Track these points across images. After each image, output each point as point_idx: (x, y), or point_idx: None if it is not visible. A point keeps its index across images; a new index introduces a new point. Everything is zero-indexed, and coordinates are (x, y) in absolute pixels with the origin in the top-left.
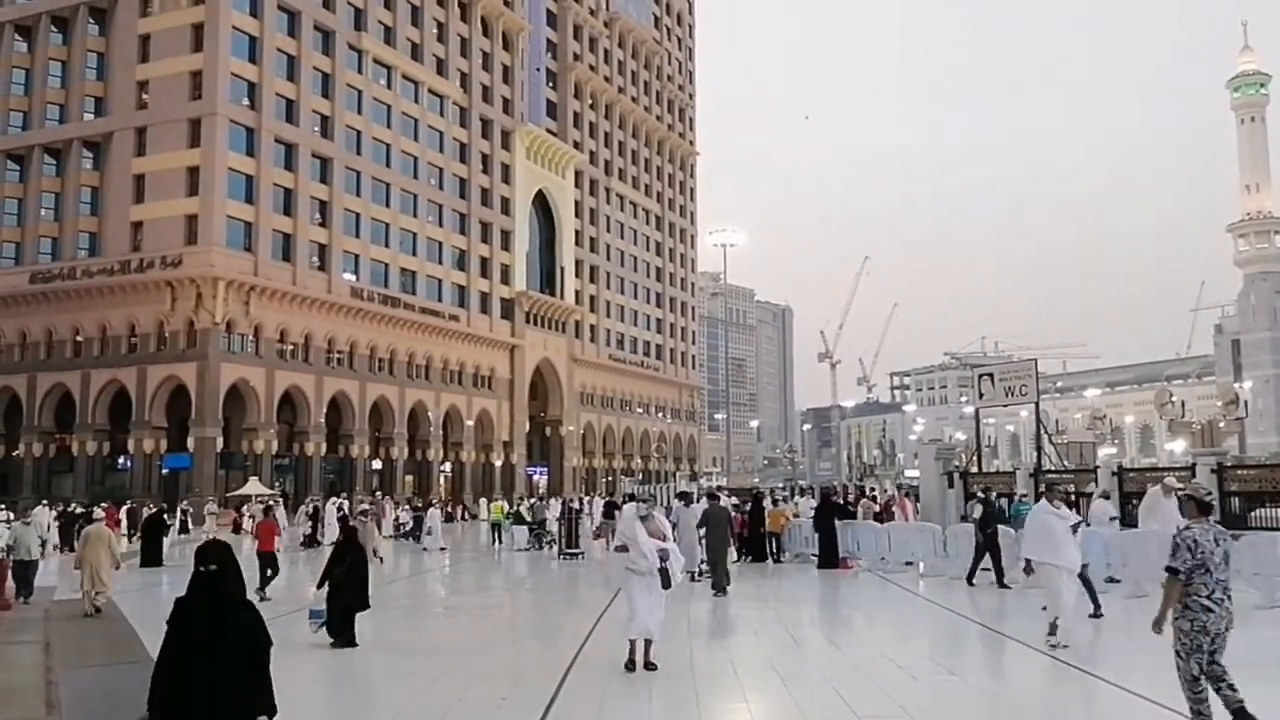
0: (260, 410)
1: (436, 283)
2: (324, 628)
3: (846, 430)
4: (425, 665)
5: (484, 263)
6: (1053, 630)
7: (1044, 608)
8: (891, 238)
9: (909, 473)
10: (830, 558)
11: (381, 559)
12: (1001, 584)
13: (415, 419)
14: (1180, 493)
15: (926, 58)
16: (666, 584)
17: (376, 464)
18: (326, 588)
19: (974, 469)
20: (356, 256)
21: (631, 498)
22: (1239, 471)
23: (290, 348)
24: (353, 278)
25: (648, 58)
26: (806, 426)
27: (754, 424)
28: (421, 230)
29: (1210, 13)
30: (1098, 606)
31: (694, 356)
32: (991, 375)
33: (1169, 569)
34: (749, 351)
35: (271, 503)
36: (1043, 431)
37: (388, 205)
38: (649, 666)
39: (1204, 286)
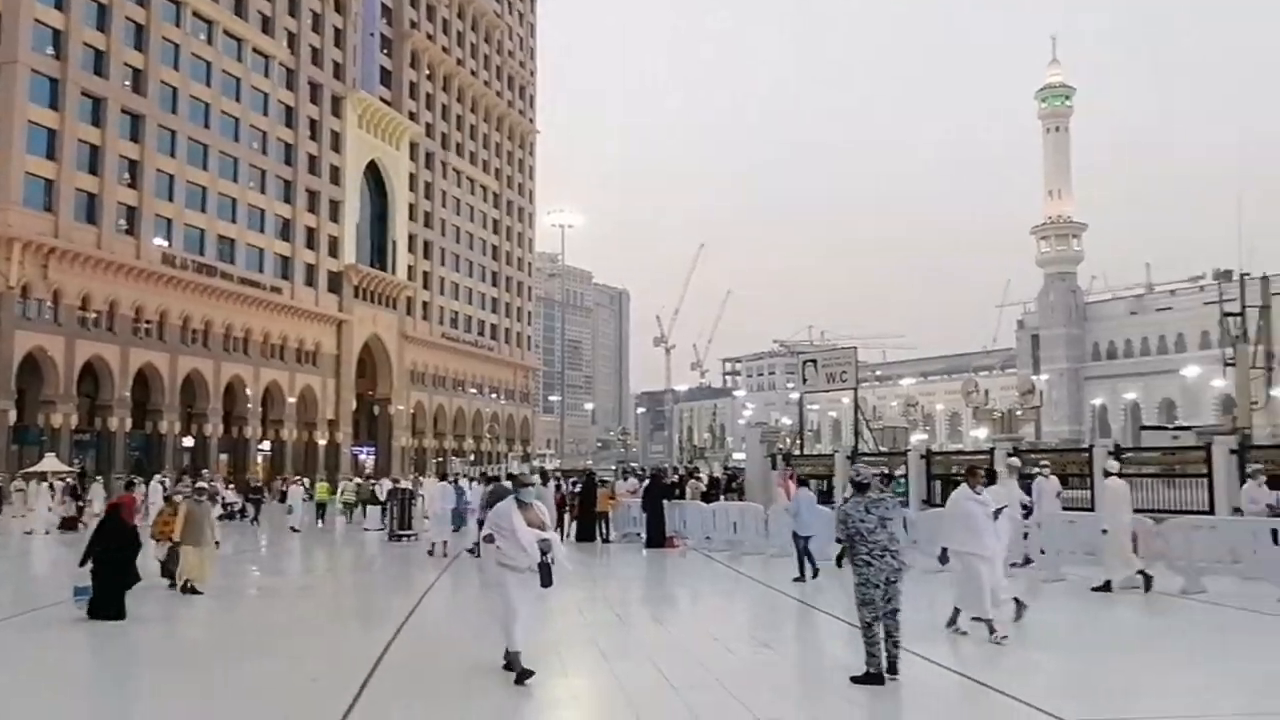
0: (59, 382)
1: (258, 252)
2: (88, 605)
3: (679, 414)
4: (237, 643)
5: (310, 233)
6: (953, 620)
7: (956, 609)
8: (729, 229)
9: (736, 455)
10: (658, 537)
11: (218, 542)
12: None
13: (232, 394)
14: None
15: (769, 48)
16: (547, 581)
17: (188, 441)
18: (90, 565)
19: (796, 452)
20: (169, 221)
21: (511, 478)
22: (1032, 455)
23: (93, 316)
24: (164, 243)
25: (488, 31)
26: (640, 410)
27: (589, 406)
28: (242, 196)
29: (1027, 23)
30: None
31: (530, 337)
32: (814, 362)
33: (837, 540)
34: (585, 334)
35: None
36: (860, 417)
37: (205, 168)
38: (522, 676)
39: (1009, 284)
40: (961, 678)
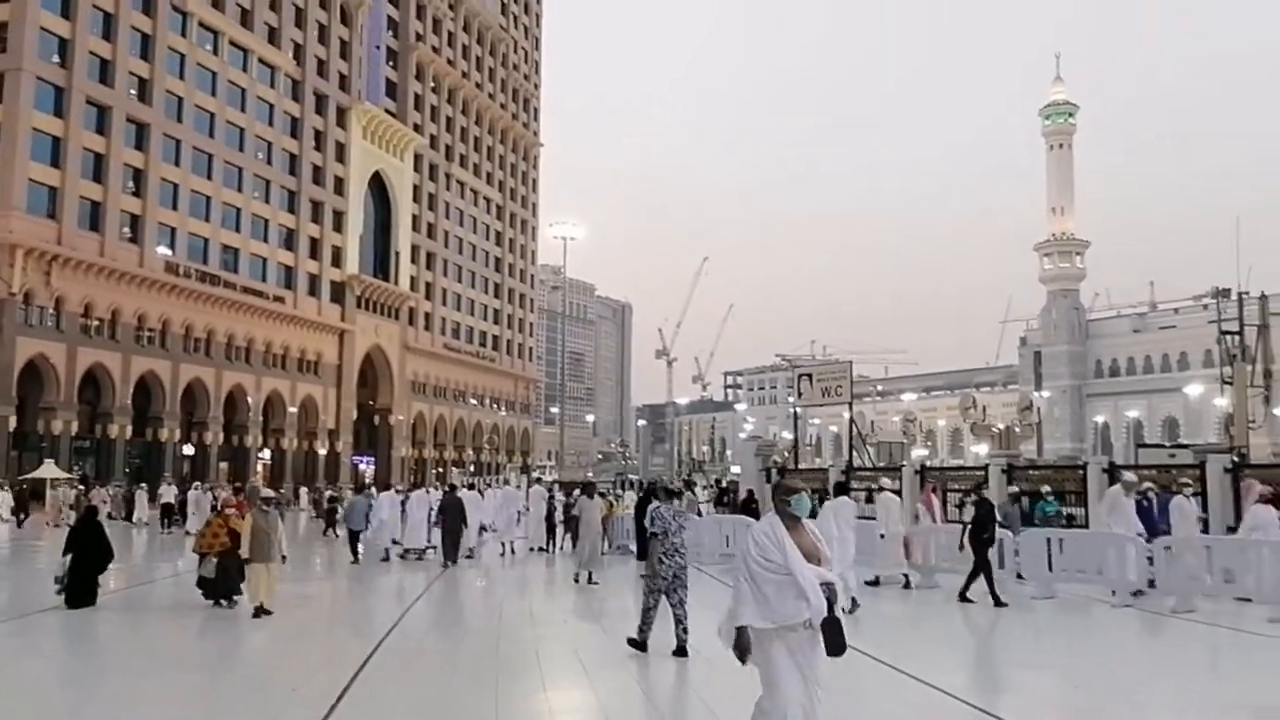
0: (60, 389)
1: (261, 261)
2: (63, 593)
3: (680, 427)
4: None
5: (314, 243)
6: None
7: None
8: (735, 243)
9: (734, 469)
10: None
11: (285, 556)
12: (998, 602)
13: (233, 403)
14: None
15: (776, 62)
16: (838, 646)
17: (188, 449)
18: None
19: (791, 466)
20: (173, 229)
21: (779, 480)
22: (1029, 472)
23: (95, 323)
24: (168, 252)
25: (493, 44)
26: (641, 422)
27: (590, 418)
28: (246, 206)
29: (1032, 40)
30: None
31: (531, 349)
32: (810, 376)
33: (650, 534)
34: (588, 346)
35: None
36: (856, 431)
37: (210, 177)
38: None
39: (1012, 301)
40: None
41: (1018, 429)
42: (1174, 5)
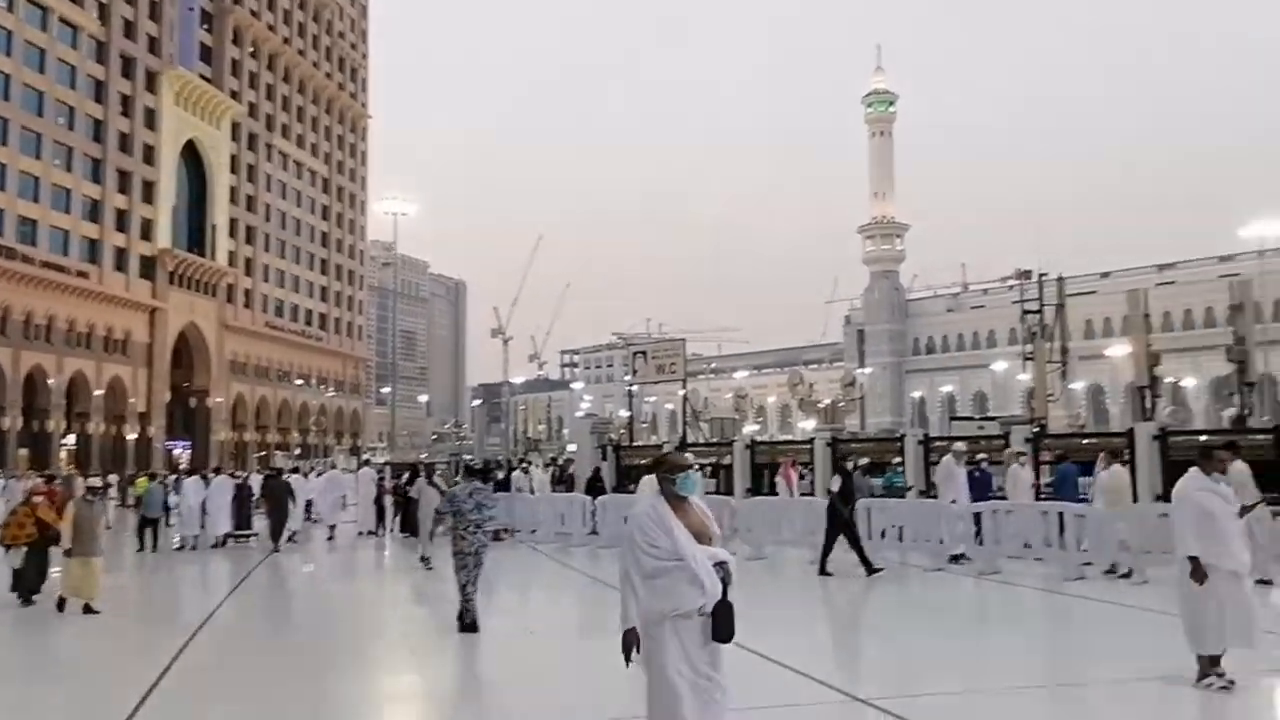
0: None
1: (62, 234)
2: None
3: (516, 406)
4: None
5: (121, 215)
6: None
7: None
8: (570, 218)
9: (570, 447)
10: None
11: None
12: (871, 570)
13: (33, 385)
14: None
15: (611, 42)
16: (726, 631)
17: None
18: None
19: (627, 443)
20: None
21: (658, 463)
22: (851, 445)
23: None
24: None
25: (317, 9)
26: (477, 402)
27: (423, 399)
28: (46, 174)
29: (858, 28)
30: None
31: (361, 327)
32: (645, 353)
33: (437, 512)
34: (421, 325)
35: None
36: (690, 408)
37: (4, 143)
38: None
39: (838, 281)
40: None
41: (842, 404)
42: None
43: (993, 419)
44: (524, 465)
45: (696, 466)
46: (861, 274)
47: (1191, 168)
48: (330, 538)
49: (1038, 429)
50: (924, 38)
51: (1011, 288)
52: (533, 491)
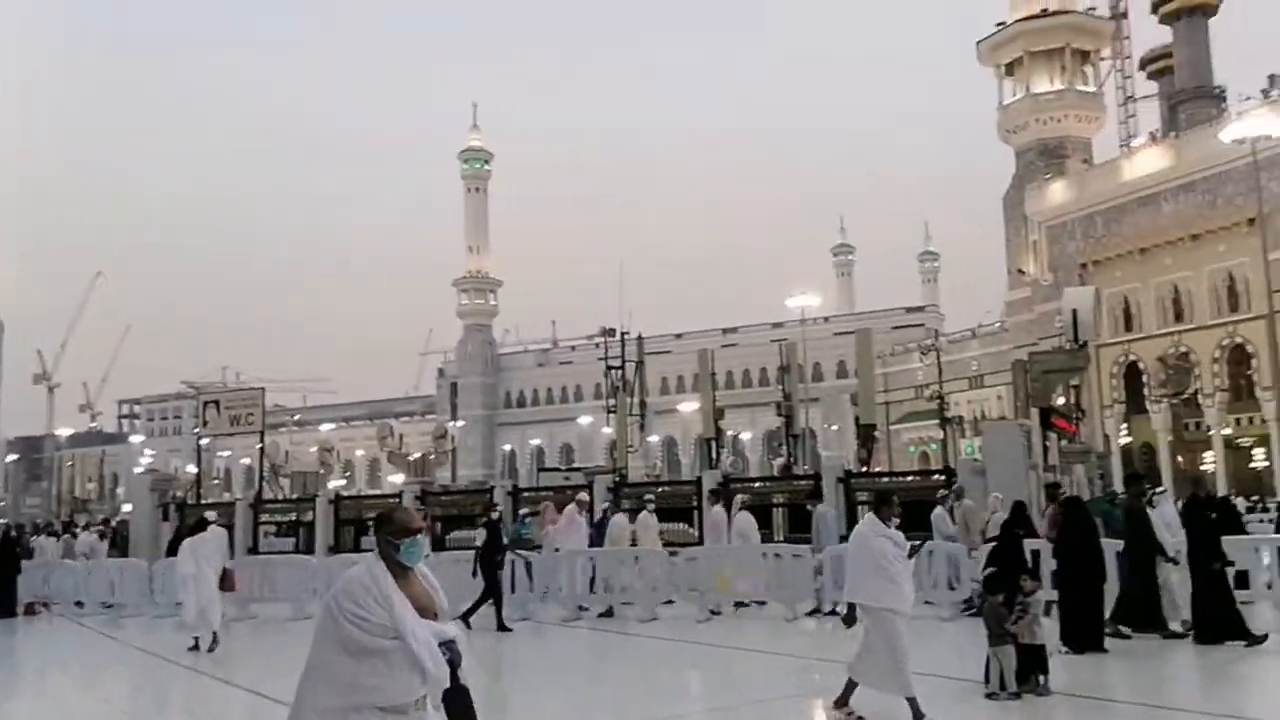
0: None
1: None
2: None
3: (61, 462)
4: None
5: None
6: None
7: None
8: (137, 257)
9: (125, 507)
10: (8, 603)
11: None
12: (502, 626)
13: None
14: None
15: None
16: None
17: None
18: None
19: (193, 500)
20: None
21: (381, 521)
22: (442, 497)
23: None
24: None
25: None
26: (13, 458)
27: None
28: None
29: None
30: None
31: None
32: (218, 403)
33: None
34: None
35: None
36: (267, 461)
37: None
38: None
39: (432, 333)
40: None
41: (433, 456)
42: (577, 62)
43: (578, 470)
44: (71, 529)
45: (427, 529)
46: (457, 327)
47: (754, 238)
48: None
49: (619, 478)
50: (519, 99)
51: (598, 345)
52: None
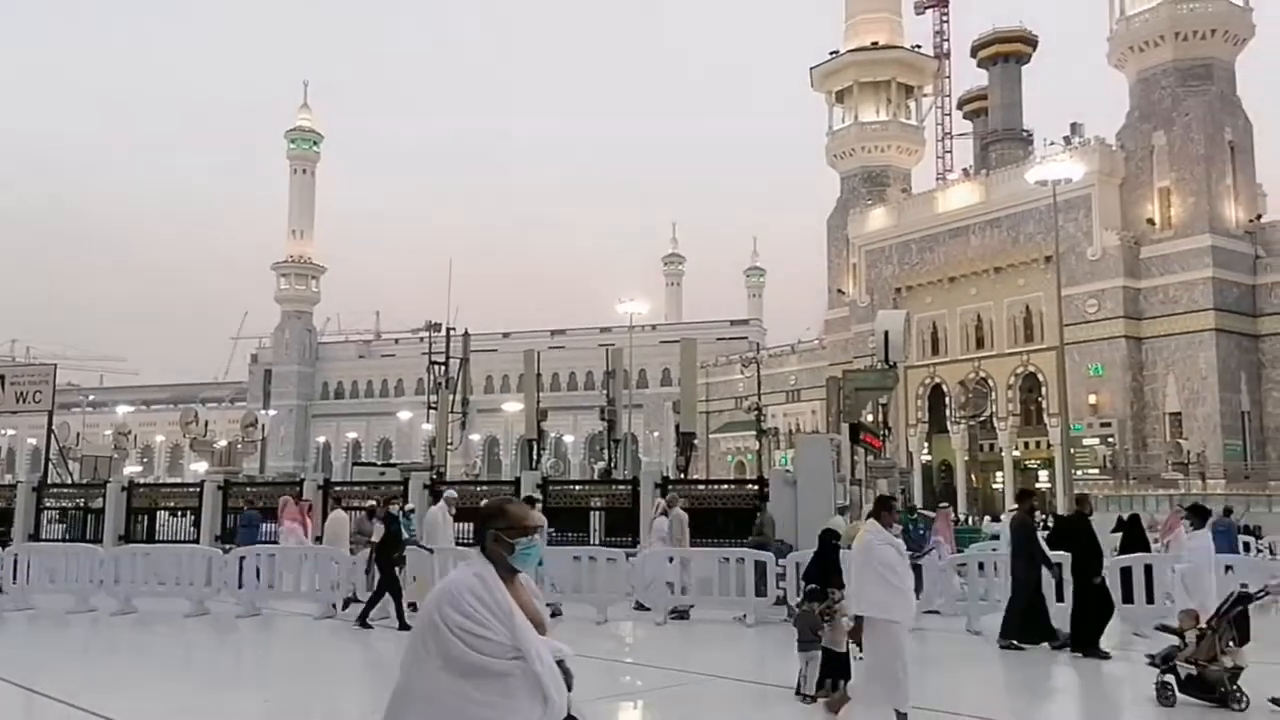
0: None
1: None
2: None
3: None
4: None
5: None
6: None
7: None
8: None
9: None
10: None
11: None
12: (404, 625)
13: None
14: None
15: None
16: None
17: None
18: None
19: None
20: None
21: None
22: (247, 488)
23: None
24: None
25: None
26: None
27: None
28: None
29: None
30: None
31: None
32: (3, 378)
33: None
34: None
35: None
36: (57, 443)
37: None
38: None
39: (246, 317)
40: None
41: (240, 445)
42: (423, 51)
43: (394, 465)
44: None
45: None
46: (274, 312)
47: (590, 242)
48: None
49: (436, 475)
50: (348, 71)
51: (422, 339)
52: None
